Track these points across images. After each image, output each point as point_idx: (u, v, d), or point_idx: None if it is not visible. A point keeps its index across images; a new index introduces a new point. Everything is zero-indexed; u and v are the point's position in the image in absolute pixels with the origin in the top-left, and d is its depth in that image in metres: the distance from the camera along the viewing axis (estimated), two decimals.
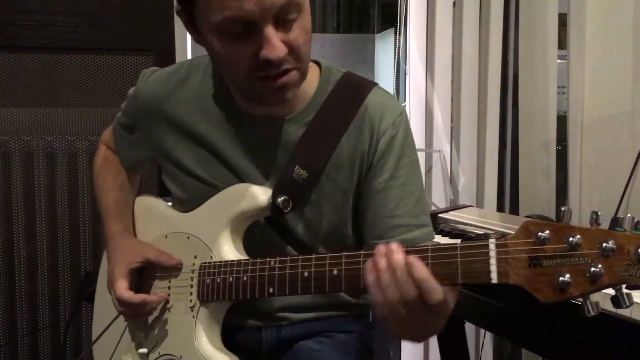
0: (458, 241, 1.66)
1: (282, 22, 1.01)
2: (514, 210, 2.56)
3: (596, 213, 0.79)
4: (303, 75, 1.09)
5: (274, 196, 1.14)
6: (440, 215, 2.05)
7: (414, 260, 0.87)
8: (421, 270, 0.86)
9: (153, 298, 1.19)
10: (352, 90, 1.20)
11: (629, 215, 0.78)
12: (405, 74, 2.68)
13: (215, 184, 1.21)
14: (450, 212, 2.06)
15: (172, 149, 1.24)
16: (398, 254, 0.88)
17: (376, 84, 1.23)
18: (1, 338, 2.18)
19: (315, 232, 1.21)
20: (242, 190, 1.17)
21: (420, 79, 2.64)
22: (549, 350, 1.46)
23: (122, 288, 1.18)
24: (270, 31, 0.99)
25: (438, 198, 2.64)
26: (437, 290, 0.85)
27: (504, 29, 2.51)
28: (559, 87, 2.29)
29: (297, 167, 1.15)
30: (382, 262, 0.89)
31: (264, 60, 1.00)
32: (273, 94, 1.07)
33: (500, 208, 2.62)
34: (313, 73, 1.20)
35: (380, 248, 0.90)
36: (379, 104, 1.19)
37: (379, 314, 0.90)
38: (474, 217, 1.95)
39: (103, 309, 1.34)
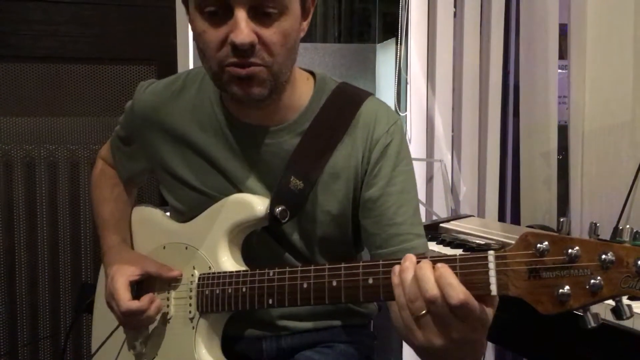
0: (459, 251, 1.68)
1: (261, 14, 1.01)
2: (515, 220, 2.56)
3: (595, 224, 0.79)
4: (274, 77, 1.06)
5: (272, 206, 1.14)
6: (441, 225, 2.05)
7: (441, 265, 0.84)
8: (443, 269, 0.82)
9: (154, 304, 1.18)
10: (347, 100, 1.19)
11: (627, 226, 0.77)
12: (407, 83, 2.69)
13: (211, 193, 1.20)
14: (451, 222, 2.06)
15: (167, 159, 1.24)
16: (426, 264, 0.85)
17: (371, 94, 1.23)
18: (1, 347, 2.18)
19: (311, 242, 1.21)
20: (240, 200, 1.17)
21: (421, 88, 2.65)
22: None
23: (126, 300, 1.17)
24: (241, 15, 0.99)
25: (439, 208, 2.64)
26: (455, 288, 0.80)
27: (504, 38, 2.52)
28: (559, 96, 2.29)
29: (292, 177, 1.14)
30: (406, 264, 0.86)
31: (231, 44, 1.00)
32: (239, 87, 1.05)
33: (501, 218, 2.62)
34: (308, 83, 1.20)
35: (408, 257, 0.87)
36: (372, 113, 1.18)
37: (404, 322, 0.85)
38: (475, 227, 1.95)
39: (102, 320, 1.33)
